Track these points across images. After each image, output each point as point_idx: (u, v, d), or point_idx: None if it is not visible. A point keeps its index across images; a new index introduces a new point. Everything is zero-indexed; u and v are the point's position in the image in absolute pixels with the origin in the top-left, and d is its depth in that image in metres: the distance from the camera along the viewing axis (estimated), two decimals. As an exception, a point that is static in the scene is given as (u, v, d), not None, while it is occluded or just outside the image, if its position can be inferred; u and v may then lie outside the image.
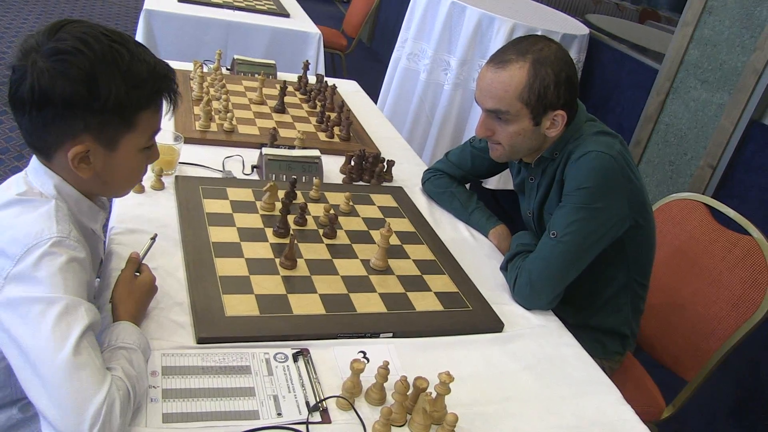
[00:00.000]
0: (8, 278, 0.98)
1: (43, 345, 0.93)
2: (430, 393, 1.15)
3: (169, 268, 1.40)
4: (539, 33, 3.13)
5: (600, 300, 1.71)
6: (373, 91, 2.94)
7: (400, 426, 1.15)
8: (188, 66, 2.47)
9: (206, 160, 1.88)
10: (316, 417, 1.12)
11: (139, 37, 3.07)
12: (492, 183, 3.30)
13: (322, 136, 2.21)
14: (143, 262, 1.28)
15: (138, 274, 1.25)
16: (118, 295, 1.18)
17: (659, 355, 1.98)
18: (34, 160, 1.11)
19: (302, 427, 1.09)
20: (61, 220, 1.04)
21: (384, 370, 1.16)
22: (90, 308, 1.00)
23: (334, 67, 5.10)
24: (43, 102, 1.01)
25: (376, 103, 3.00)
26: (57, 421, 0.91)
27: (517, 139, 1.57)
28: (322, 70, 3.55)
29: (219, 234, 1.54)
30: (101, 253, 1.26)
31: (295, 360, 1.24)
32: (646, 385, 1.95)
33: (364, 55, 6.37)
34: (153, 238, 1.32)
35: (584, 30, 3.37)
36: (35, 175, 1.10)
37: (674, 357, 1.94)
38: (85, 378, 0.93)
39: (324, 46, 3.65)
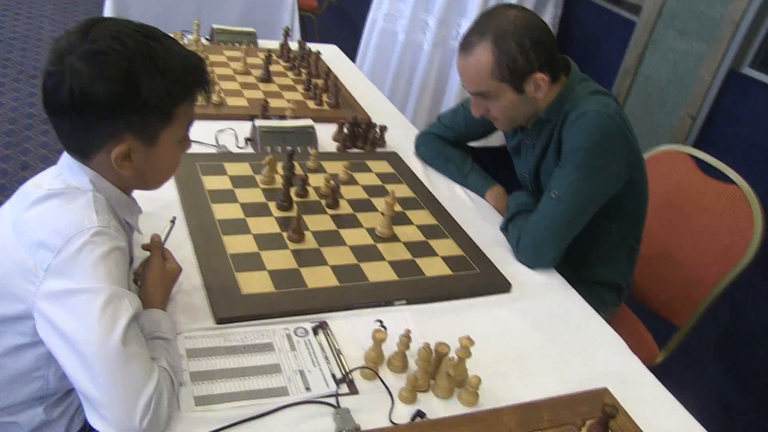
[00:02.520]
0: (50, 270, 0.98)
1: (91, 336, 0.94)
2: (453, 358, 1.18)
3: (177, 248, 1.40)
4: (515, -11, 3.12)
5: (597, 254, 1.76)
6: (345, 51, 2.91)
7: (425, 391, 1.18)
8: (166, 38, 2.42)
9: (199, 135, 1.85)
10: (344, 388, 1.15)
11: (108, 10, 2.99)
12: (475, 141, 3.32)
13: (311, 104, 2.20)
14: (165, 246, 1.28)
15: None
16: (151, 282, 1.18)
17: (650, 303, 2.05)
18: (66, 157, 1.10)
19: (332, 400, 1.12)
20: (100, 211, 1.04)
21: (406, 339, 1.19)
22: (133, 298, 1.01)
23: (305, 31, 5.02)
24: (84, 105, 1.00)
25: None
26: (107, 412, 0.93)
27: (510, 110, 1.61)
28: (298, 35, 3.50)
29: (223, 211, 1.54)
30: (134, 249, 1.26)
31: (316, 333, 1.26)
32: (640, 333, 2.02)
33: (334, 15, 6.27)
34: (172, 221, 1.32)
35: (559, -16, 3.36)
36: (70, 171, 1.09)
37: (665, 304, 2.01)
38: (135, 369, 0.95)
39: (296, 9, 3.58)
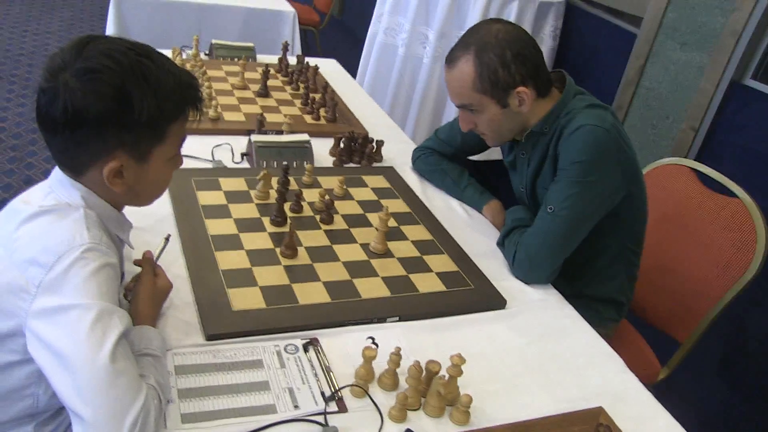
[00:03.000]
0: (41, 287, 0.98)
1: (80, 352, 0.94)
2: (444, 376, 1.16)
3: (169, 264, 1.39)
4: (516, 2, 3.12)
5: (595, 269, 1.74)
6: (348, 67, 2.92)
7: (415, 410, 1.16)
8: (166, 54, 2.43)
9: (195, 150, 1.86)
10: (332, 406, 1.13)
11: (111, 26, 3.01)
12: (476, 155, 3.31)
13: (308, 118, 2.19)
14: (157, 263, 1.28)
15: None
16: (142, 298, 1.18)
17: (650, 318, 2.02)
18: (57, 172, 1.10)
19: (320, 418, 1.10)
20: (91, 227, 1.04)
21: (396, 356, 1.18)
22: (123, 315, 1.01)
23: (306, 44, 5.04)
24: (77, 121, 1.00)
25: (354, 78, 2.97)
26: (94, 430, 0.92)
27: (495, 124, 1.61)
28: (298, 49, 3.51)
29: (216, 226, 1.53)
30: (125, 264, 1.25)
31: (306, 350, 1.24)
32: (641, 350, 1.99)
33: (336, 28, 6.30)
34: (167, 239, 1.31)
35: (560, -4, 3.36)
36: (61, 187, 1.09)
37: (665, 319, 1.98)
38: (123, 386, 0.94)
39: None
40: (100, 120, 1.01)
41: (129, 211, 1.24)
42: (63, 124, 1.01)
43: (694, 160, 2.22)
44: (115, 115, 1.01)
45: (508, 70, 1.51)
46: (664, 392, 1.93)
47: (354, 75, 3.48)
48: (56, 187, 1.10)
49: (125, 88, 1.01)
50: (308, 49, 4.93)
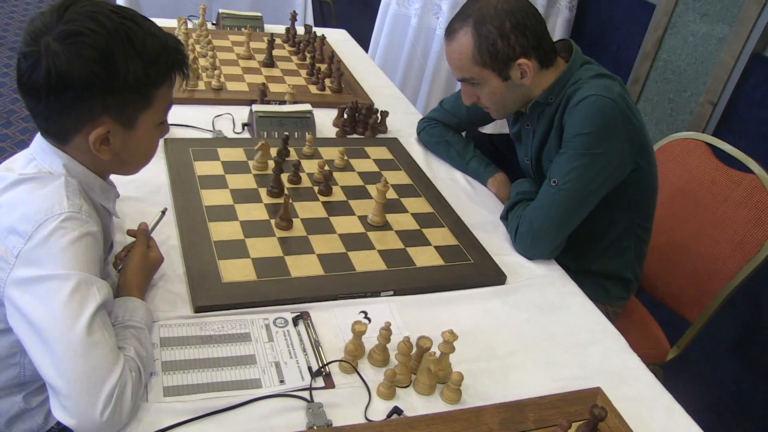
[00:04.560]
0: (20, 256, 0.96)
1: (56, 323, 0.92)
2: (434, 352, 1.13)
3: (162, 235, 1.37)
4: (532, -29, 3.02)
5: (602, 245, 1.69)
6: (364, 38, 2.86)
7: (405, 387, 1.13)
8: (172, 23, 2.39)
9: (195, 120, 1.83)
10: (319, 382, 1.11)
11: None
12: (489, 128, 3.24)
13: (313, 89, 2.15)
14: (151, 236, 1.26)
15: None
16: (132, 270, 1.16)
17: (661, 296, 1.97)
18: (39, 140, 1.08)
19: (305, 394, 1.08)
20: (71, 195, 1.02)
21: (386, 331, 1.14)
22: (102, 285, 0.99)
23: (322, 16, 4.96)
24: (61, 86, 0.98)
25: (367, 51, 2.91)
26: (68, 402, 0.91)
27: (497, 97, 1.56)
28: (310, 20, 3.44)
29: (212, 197, 1.51)
30: (113, 233, 1.23)
31: (296, 324, 1.22)
32: (650, 328, 1.94)
33: (355, 1, 6.21)
34: (163, 212, 1.29)
35: (578, -35, 3.25)
36: (43, 154, 1.07)
37: (677, 297, 1.93)
38: (99, 358, 0.92)
39: (311, -6, 3.52)
40: (85, 84, 0.98)
41: (125, 180, 1.22)
42: (46, 89, 0.98)
43: (713, 135, 2.14)
44: (100, 80, 0.99)
45: (507, 41, 1.45)
46: (676, 373, 1.89)
47: (369, 47, 3.42)
48: (38, 155, 1.07)
49: (110, 52, 0.98)
50: (323, 21, 4.86)
